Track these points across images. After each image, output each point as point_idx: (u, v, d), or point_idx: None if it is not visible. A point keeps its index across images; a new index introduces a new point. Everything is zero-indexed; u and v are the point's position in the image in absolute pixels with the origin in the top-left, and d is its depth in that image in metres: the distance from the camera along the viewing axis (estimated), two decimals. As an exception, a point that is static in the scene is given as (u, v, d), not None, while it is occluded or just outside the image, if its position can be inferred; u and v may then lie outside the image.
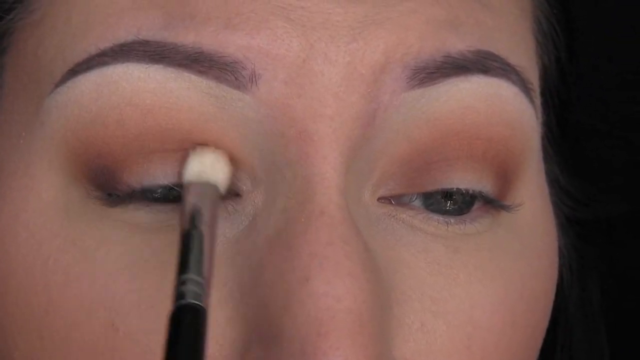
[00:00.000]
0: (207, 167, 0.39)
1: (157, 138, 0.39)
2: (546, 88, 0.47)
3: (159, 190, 0.40)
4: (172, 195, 0.40)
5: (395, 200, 0.41)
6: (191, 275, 0.36)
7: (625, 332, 0.60)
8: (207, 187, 0.39)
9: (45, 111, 0.40)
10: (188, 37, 0.39)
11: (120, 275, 0.39)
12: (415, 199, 0.42)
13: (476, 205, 0.42)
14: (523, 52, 0.44)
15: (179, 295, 0.36)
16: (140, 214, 0.40)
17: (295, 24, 0.39)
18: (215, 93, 0.39)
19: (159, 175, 0.40)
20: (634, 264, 0.58)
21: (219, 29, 0.39)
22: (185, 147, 0.39)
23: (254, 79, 0.39)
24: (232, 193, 0.40)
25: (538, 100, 0.44)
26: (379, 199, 0.41)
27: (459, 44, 0.40)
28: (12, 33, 0.43)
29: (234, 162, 0.40)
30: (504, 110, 0.41)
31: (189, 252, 0.37)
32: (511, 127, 0.42)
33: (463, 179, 0.41)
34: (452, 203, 0.42)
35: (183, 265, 0.37)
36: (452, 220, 0.42)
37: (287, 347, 0.36)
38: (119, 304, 0.39)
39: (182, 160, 0.40)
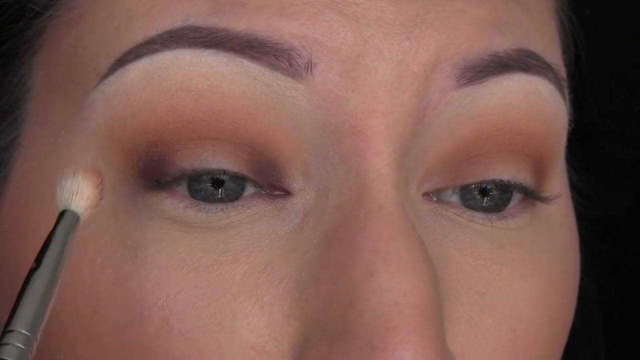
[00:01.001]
0: (66, 193, 0.37)
1: (209, 125, 0.39)
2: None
3: (208, 186, 0.40)
4: (222, 194, 0.40)
5: (435, 196, 0.42)
6: (19, 328, 0.34)
7: (627, 330, 0.61)
8: (66, 215, 0.37)
9: (90, 105, 0.40)
10: (240, 24, 0.39)
11: (172, 273, 0.39)
12: (456, 191, 0.42)
13: (512, 203, 0.43)
14: (555, 51, 0.45)
15: None
16: (190, 213, 0.39)
17: (350, 19, 0.39)
18: (267, 80, 0.39)
19: (212, 161, 0.39)
20: (635, 262, 0.60)
21: (272, 16, 0.39)
22: (235, 142, 0.39)
23: (309, 68, 0.39)
24: (282, 191, 0.40)
25: (568, 98, 0.45)
26: (422, 195, 0.42)
27: (504, 44, 0.41)
28: (43, 33, 0.42)
29: (286, 158, 0.39)
30: (542, 107, 0.42)
31: (25, 298, 0.35)
32: (547, 123, 0.43)
33: (503, 171, 0.42)
34: (489, 199, 0.43)
35: (14, 315, 0.35)
36: (494, 217, 0.42)
37: (354, 342, 0.37)
38: (172, 302, 0.39)
39: (235, 152, 0.39)
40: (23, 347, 0.34)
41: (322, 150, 0.40)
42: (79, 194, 0.37)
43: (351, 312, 0.37)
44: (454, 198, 0.42)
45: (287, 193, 0.40)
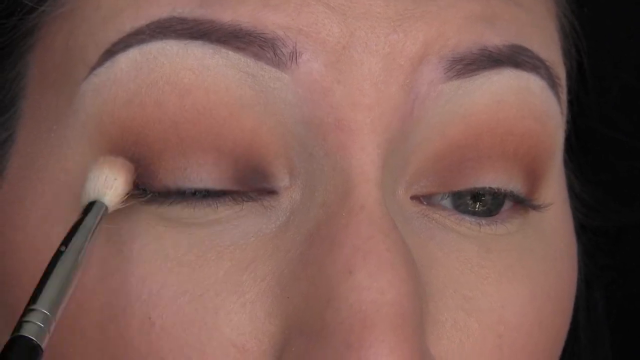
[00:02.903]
0: (95, 184, 0.39)
1: (194, 127, 0.39)
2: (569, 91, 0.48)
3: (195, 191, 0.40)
4: (209, 191, 0.40)
5: (426, 200, 0.42)
6: (39, 307, 0.35)
7: (632, 340, 0.60)
8: (94, 205, 0.38)
9: (80, 97, 0.40)
10: (225, 15, 0.39)
11: (156, 269, 0.39)
12: (447, 197, 0.42)
13: (505, 207, 0.43)
14: (552, 49, 0.44)
15: (18, 326, 0.34)
16: (176, 209, 0.39)
17: (336, 12, 0.39)
18: (252, 71, 0.39)
19: (195, 179, 0.39)
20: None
21: (257, 7, 0.39)
22: (219, 146, 0.39)
23: (294, 57, 0.39)
24: (268, 191, 0.40)
25: (564, 96, 0.45)
26: (411, 198, 0.41)
27: (494, 39, 0.41)
28: (39, 29, 0.42)
29: (271, 158, 0.39)
30: (533, 103, 0.42)
31: (48, 278, 0.36)
32: (540, 121, 0.42)
33: (494, 179, 0.42)
34: (482, 204, 0.42)
35: (36, 293, 0.35)
36: (483, 222, 0.42)
37: (331, 339, 0.36)
38: (155, 298, 0.39)
39: (219, 164, 0.39)
40: (42, 325, 0.35)
41: (307, 146, 0.39)
42: (114, 188, 0.38)
43: (329, 310, 0.37)
44: (446, 202, 0.42)
45: (274, 192, 0.40)
